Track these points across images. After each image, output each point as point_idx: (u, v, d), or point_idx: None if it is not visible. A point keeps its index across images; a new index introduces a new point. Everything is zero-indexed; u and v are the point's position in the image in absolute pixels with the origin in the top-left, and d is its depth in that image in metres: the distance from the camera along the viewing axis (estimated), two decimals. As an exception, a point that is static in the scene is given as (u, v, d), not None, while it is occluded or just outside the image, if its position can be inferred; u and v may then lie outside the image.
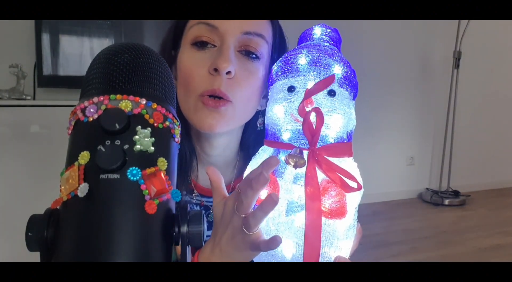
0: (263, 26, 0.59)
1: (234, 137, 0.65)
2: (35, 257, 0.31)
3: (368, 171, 3.31)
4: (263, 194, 0.48)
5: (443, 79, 3.51)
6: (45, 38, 2.00)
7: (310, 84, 0.49)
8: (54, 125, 1.85)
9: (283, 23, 0.65)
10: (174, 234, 0.34)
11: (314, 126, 0.47)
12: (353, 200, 0.49)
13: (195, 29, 0.56)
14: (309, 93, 0.48)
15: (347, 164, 0.50)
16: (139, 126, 0.33)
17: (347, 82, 0.51)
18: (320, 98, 0.49)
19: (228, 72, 0.54)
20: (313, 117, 0.48)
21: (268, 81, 0.57)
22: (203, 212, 0.37)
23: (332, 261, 0.49)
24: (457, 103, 3.44)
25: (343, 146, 0.50)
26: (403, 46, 3.37)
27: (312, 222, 0.46)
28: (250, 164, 0.54)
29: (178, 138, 0.38)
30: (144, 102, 0.34)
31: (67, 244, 0.30)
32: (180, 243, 0.35)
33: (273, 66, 0.56)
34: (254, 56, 0.57)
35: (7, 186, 1.80)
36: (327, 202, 0.47)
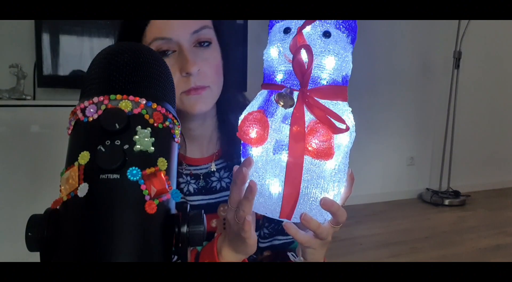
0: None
1: (209, 109, 0.74)
2: (35, 257, 0.31)
3: (368, 171, 3.35)
4: (253, 132, 0.50)
5: (443, 79, 3.51)
6: (45, 38, 2.00)
7: (305, 25, 0.49)
8: (54, 125, 1.85)
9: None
10: (174, 234, 0.34)
11: (306, 67, 0.47)
12: (342, 143, 0.49)
13: (154, 44, 0.65)
14: (300, 29, 0.48)
15: (340, 108, 0.50)
16: (139, 126, 0.33)
17: (344, 25, 0.51)
18: (314, 39, 0.49)
19: (198, 70, 0.65)
20: (304, 57, 0.47)
21: (269, 26, 0.58)
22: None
23: (318, 201, 0.50)
24: (457, 103, 3.44)
25: (336, 89, 0.50)
26: (403, 46, 3.38)
27: (295, 160, 0.47)
28: (247, 108, 0.55)
29: (178, 139, 0.38)
30: (144, 102, 0.34)
31: (67, 244, 0.30)
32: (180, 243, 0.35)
33: None
34: (206, 44, 0.67)
35: (7, 186, 1.80)
36: (314, 142, 0.47)
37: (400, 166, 3.59)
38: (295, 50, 0.47)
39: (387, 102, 3.41)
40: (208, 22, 0.68)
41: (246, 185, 0.51)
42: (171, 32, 0.64)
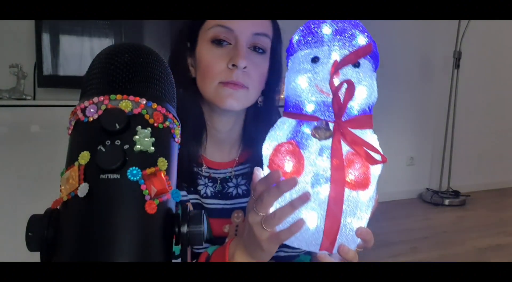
0: (268, 27, 0.71)
1: (240, 116, 0.77)
2: (35, 257, 0.31)
3: (368, 171, 3.34)
4: (288, 166, 0.49)
5: (443, 79, 3.51)
6: (45, 38, 2.00)
7: (335, 55, 0.48)
8: (54, 125, 1.85)
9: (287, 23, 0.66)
10: (174, 234, 0.34)
11: (341, 99, 0.47)
12: (376, 172, 0.50)
13: (214, 30, 0.68)
14: (338, 67, 0.47)
15: (368, 136, 0.50)
16: (139, 126, 0.33)
17: (370, 54, 0.50)
18: (346, 70, 0.48)
19: (245, 67, 0.67)
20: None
21: (288, 51, 0.56)
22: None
23: (354, 231, 0.50)
24: (457, 103, 3.44)
25: (366, 118, 0.50)
26: (403, 46, 3.37)
27: (337, 193, 0.47)
28: (268, 135, 0.54)
29: (178, 139, 0.38)
30: (144, 102, 0.34)
31: (67, 244, 0.30)
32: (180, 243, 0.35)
33: (294, 35, 0.55)
34: (261, 51, 0.70)
35: (7, 186, 1.80)
36: (352, 174, 0.48)
37: (400, 166, 3.59)
38: (335, 88, 0.46)
39: (387, 102, 3.40)
40: (269, 32, 0.71)
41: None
42: (235, 24, 0.67)
